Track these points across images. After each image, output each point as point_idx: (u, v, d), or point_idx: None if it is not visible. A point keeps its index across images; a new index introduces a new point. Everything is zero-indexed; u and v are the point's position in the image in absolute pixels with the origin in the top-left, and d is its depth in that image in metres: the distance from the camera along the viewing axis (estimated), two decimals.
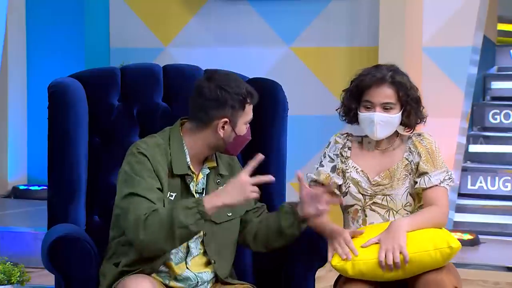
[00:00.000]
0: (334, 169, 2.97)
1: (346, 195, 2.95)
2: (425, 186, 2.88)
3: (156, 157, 2.70)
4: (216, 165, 2.82)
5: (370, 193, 2.92)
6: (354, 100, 2.95)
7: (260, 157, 2.68)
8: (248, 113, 2.77)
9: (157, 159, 2.70)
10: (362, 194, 2.93)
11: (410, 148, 2.95)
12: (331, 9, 6.15)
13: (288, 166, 3.23)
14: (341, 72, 6.04)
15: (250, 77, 3.26)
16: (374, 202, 2.92)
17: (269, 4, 6.34)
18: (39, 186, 6.72)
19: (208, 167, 2.80)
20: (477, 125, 6.56)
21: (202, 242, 2.78)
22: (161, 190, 2.69)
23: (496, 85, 6.81)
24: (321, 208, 2.76)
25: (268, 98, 3.18)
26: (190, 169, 2.75)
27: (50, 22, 6.87)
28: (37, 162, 6.91)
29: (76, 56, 6.73)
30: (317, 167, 3.00)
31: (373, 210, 2.92)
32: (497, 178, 6.19)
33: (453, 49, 5.90)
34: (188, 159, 2.75)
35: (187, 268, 2.75)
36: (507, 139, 6.38)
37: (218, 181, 2.82)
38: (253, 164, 2.66)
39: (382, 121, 2.89)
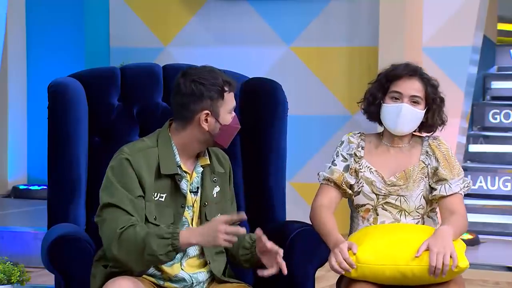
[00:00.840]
0: (347, 168, 2.94)
1: (358, 194, 2.93)
2: (445, 194, 2.88)
3: (139, 161, 2.69)
4: (209, 162, 2.81)
5: (384, 193, 2.91)
6: (381, 90, 2.93)
7: (243, 217, 2.65)
8: (228, 101, 2.74)
9: (140, 163, 2.69)
10: (376, 194, 2.91)
11: (427, 151, 2.94)
12: (331, 9, 6.15)
13: (288, 166, 3.23)
14: (341, 72, 6.05)
15: (250, 77, 3.26)
16: (387, 202, 2.91)
17: (269, 4, 6.34)
18: (39, 186, 6.73)
19: (201, 165, 2.79)
20: (477, 125, 6.56)
21: None
22: (143, 196, 2.68)
23: (496, 84, 6.81)
24: (278, 266, 2.69)
25: (268, 98, 3.18)
26: (181, 168, 2.74)
27: (50, 22, 6.88)
28: (37, 162, 6.92)
29: (76, 56, 6.73)
30: (330, 166, 2.96)
31: (385, 210, 2.90)
32: (497, 178, 6.19)
33: (453, 49, 5.90)
34: (178, 159, 2.74)
35: (181, 269, 2.75)
36: (507, 138, 6.39)
37: (215, 179, 2.81)
38: (234, 217, 2.63)
39: (409, 113, 2.87)
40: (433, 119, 2.93)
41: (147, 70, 3.22)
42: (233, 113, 2.76)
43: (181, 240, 2.58)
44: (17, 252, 5.00)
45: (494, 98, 6.79)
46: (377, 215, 2.91)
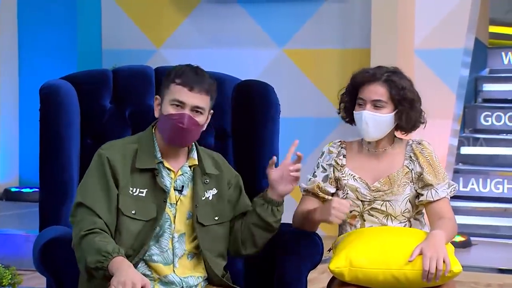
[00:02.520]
0: (326, 178, 2.96)
1: None
2: (432, 199, 2.88)
3: (114, 154, 2.71)
4: (197, 163, 2.79)
5: (370, 199, 2.91)
6: (350, 99, 2.95)
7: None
8: (173, 92, 2.70)
9: (115, 157, 2.70)
10: (361, 200, 2.92)
11: (411, 156, 2.94)
12: (323, 12, 6.16)
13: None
14: (334, 74, 6.06)
15: (243, 79, 3.26)
16: (372, 208, 2.91)
17: (262, 6, 6.35)
18: (30, 188, 6.72)
19: (189, 165, 2.78)
20: (469, 127, 6.58)
21: (195, 244, 2.78)
22: (117, 192, 2.68)
23: (488, 87, 6.84)
24: (294, 175, 2.76)
25: (260, 100, 3.18)
26: (163, 164, 2.74)
27: (42, 24, 6.86)
28: (28, 164, 6.90)
29: (68, 58, 6.72)
30: (310, 177, 2.99)
31: (371, 216, 2.91)
32: (488, 180, 6.21)
33: (445, 51, 5.91)
34: (159, 154, 2.74)
35: (173, 270, 2.74)
36: (498, 141, 6.41)
37: (206, 181, 2.80)
38: None
39: (370, 119, 2.88)
40: (406, 120, 2.92)
41: (140, 72, 3.22)
42: (183, 111, 2.69)
43: (111, 265, 2.54)
44: (8, 255, 4.99)
45: (486, 100, 6.82)
46: (364, 221, 2.92)
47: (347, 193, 2.93)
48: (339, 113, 3.02)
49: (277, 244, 2.86)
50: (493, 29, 7.42)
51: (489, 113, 6.56)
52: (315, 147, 5.96)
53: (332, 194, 2.95)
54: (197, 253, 2.78)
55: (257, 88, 3.21)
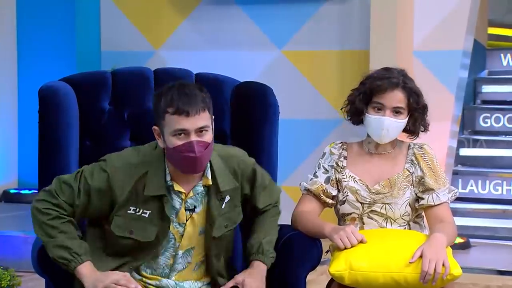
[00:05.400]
0: (328, 180, 2.96)
1: (343, 204, 2.94)
2: (433, 204, 2.89)
3: (118, 179, 2.60)
4: (211, 183, 2.67)
5: (369, 201, 2.91)
6: (364, 102, 2.94)
7: None
8: (170, 123, 2.54)
9: (119, 182, 2.60)
10: (361, 203, 2.92)
11: (412, 160, 2.95)
12: (322, 13, 6.16)
13: (279, 169, 3.23)
14: (333, 75, 6.06)
15: (242, 80, 3.26)
16: (372, 210, 2.91)
17: (261, 8, 6.34)
18: (30, 190, 6.71)
19: (202, 185, 2.67)
20: (468, 129, 6.58)
21: (203, 254, 2.73)
22: (107, 210, 2.63)
23: (487, 88, 6.84)
24: None
25: (259, 101, 3.18)
26: (172, 189, 2.63)
27: (41, 25, 6.86)
28: (28, 165, 6.90)
29: (67, 59, 6.72)
30: (311, 177, 2.99)
31: (371, 218, 2.91)
32: (487, 182, 6.21)
33: (444, 52, 5.91)
34: (169, 178, 2.63)
35: (167, 278, 2.71)
36: (497, 142, 6.40)
37: (221, 198, 2.70)
38: None
39: (391, 125, 2.88)
40: (414, 126, 2.95)
41: (138, 74, 3.21)
42: (189, 139, 2.55)
43: (79, 269, 2.55)
44: (7, 257, 4.99)
45: (485, 102, 6.82)
46: (363, 223, 2.92)
47: (347, 195, 2.93)
48: (345, 111, 2.99)
49: (276, 246, 2.86)
50: (492, 30, 7.43)
51: (488, 115, 6.56)
52: (314, 148, 5.97)
53: (333, 197, 2.95)
54: (203, 261, 2.75)
55: (255, 89, 3.21)
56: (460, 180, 6.24)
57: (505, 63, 7.00)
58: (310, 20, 6.21)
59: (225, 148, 2.81)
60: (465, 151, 6.40)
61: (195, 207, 2.68)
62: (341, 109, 3.01)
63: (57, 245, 2.59)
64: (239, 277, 2.70)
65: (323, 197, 2.94)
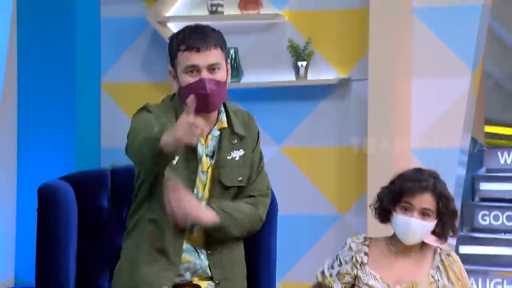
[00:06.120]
0: (337, 273, 2.95)
1: None
2: None
3: (161, 117, 2.60)
4: (226, 126, 2.66)
5: None
6: (392, 202, 2.93)
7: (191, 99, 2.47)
8: (182, 60, 2.57)
9: (162, 120, 2.58)
10: None
11: (438, 267, 2.93)
12: (320, 111, 6.22)
13: (278, 266, 3.21)
14: (330, 171, 6.07)
15: None
16: None
17: (260, 105, 6.41)
18: None
19: (218, 129, 2.66)
20: (467, 226, 6.56)
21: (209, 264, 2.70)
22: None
23: (485, 186, 6.84)
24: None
25: None
26: None
27: (41, 123, 6.91)
28: (25, 263, 6.85)
29: (67, 156, 6.74)
30: (326, 268, 2.96)
31: None
32: (488, 280, 6.15)
33: (441, 150, 5.94)
34: None
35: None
36: (497, 240, 6.38)
37: (235, 141, 2.67)
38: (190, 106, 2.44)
39: (418, 227, 2.87)
40: (443, 230, 2.93)
41: None
42: (200, 76, 2.56)
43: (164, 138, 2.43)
44: None
45: (483, 199, 6.81)
46: None
47: None
48: (373, 208, 2.97)
49: None
50: (489, 129, 7.49)
51: (487, 212, 6.55)
52: (313, 243, 5.92)
53: None
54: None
55: None
56: None
57: (502, 161, 7.03)
58: (308, 117, 6.26)
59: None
60: (464, 249, 6.37)
61: (214, 152, 2.63)
62: (369, 206, 3.01)
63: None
64: None
65: None
